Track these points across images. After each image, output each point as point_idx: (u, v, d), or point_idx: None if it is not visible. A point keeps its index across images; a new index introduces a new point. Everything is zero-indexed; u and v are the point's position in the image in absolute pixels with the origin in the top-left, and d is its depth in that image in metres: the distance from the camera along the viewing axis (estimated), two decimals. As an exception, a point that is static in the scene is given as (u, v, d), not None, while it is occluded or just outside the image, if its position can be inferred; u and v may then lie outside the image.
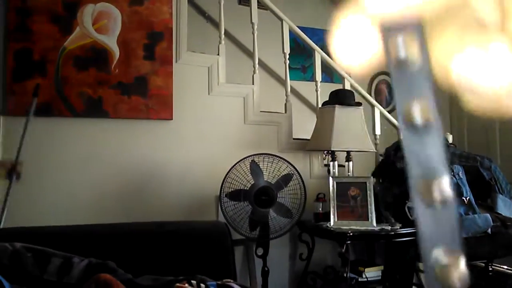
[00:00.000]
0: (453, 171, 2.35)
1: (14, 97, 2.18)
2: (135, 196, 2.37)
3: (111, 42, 2.35)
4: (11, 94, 2.18)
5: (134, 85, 2.37)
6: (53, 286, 1.18)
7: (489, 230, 2.24)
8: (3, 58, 2.19)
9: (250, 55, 3.03)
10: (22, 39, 2.20)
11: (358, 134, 2.48)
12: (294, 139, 2.74)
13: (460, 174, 2.36)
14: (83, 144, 2.31)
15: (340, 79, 2.97)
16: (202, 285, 1.13)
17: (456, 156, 2.49)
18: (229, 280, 1.28)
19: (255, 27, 2.69)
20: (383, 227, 2.24)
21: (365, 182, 2.32)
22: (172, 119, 2.44)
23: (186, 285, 1.12)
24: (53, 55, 2.24)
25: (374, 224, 2.24)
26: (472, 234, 2.21)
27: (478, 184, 2.40)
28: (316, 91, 2.86)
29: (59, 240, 1.37)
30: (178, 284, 1.11)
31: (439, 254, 0.20)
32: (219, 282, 1.17)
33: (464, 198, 2.29)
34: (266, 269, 2.36)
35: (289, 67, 2.82)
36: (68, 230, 1.46)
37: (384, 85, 4.20)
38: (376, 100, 3.09)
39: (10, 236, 1.30)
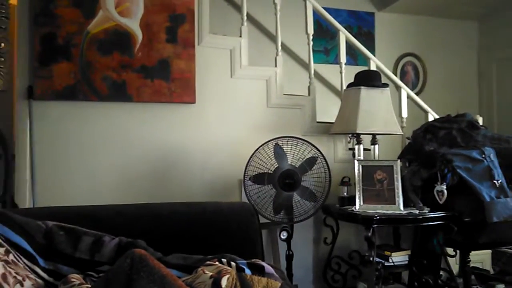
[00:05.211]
0: (484, 153, 2.27)
1: (41, 81, 2.20)
2: (158, 179, 2.39)
3: (134, 25, 2.34)
4: (38, 78, 2.20)
5: (157, 68, 2.37)
6: (85, 263, 1.20)
7: (522, 215, 2.16)
8: (30, 43, 2.21)
9: (272, 38, 2.98)
10: (47, 23, 2.22)
11: (384, 116, 2.41)
12: (317, 122, 2.70)
13: (492, 157, 2.28)
14: (108, 128, 2.33)
15: (365, 60, 2.89)
16: (233, 263, 1.12)
17: (488, 138, 2.40)
18: (258, 260, 1.27)
19: (278, 7, 2.63)
20: (411, 211, 2.19)
21: (392, 166, 2.27)
22: (194, 102, 2.43)
23: (217, 263, 1.11)
24: (77, 39, 2.25)
25: (402, 208, 2.19)
26: (504, 219, 2.13)
27: (510, 167, 2.30)
28: (341, 73, 2.80)
29: (88, 219, 1.39)
30: (209, 262, 1.11)
31: None
32: (249, 261, 1.16)
33: (496, 181, 2.21)
34: (290, 252, 2.35)
35: (312, 50, 2.76)
36: (97, 210, 1.47)
37: (410, 66, 4.08)
38: (402, 82, 3.00)
39: (43, 215, 1.32)
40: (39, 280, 1.14)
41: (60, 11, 2.24)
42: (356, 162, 2.31)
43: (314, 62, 2.80)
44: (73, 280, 1.09)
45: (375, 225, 2.10)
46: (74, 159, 2.27)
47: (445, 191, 2.17)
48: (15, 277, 1.02)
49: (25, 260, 1.15)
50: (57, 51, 2.23)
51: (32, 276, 1.12)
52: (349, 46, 2.84)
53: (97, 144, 2.31)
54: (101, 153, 2.31)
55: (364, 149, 2.53)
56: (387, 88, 2.45)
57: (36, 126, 2.20)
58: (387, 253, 2.39)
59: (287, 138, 2.32)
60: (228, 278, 1.05)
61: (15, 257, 1.12)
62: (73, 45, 2.25)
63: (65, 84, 2.23)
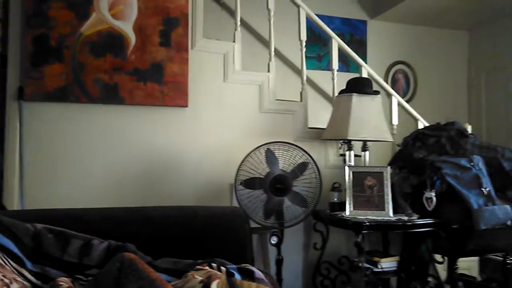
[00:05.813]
0: (472, 161, 2.30)
1: (32, 82, 2.19)
2: (150, 182, 2.38)
3: (127, 28, 2.34)
4: (29, 79, 2.18)
5: (150, 71, 2.37)
6: (74, 266, 1.19)
7: (509, 222, 2.19)
8: (22, 44, 2.19)
9: (265, 43, 3.00)
10: (40, 25, 2.21)
11: (375, 123, 2.43)
12: (309, 128, 2.71)
13: (480, 165, 2.31)
14: (99, 130, 2.32)
15: (357, 67, 2.92)
16: (223, 268, 1.12)
17: (476, 147, 2.43)
18: (247, 265, 1.27)
19: (272, 13, 2.65)
20: (400, 217, 2.21)
21: (382, 172, 2.29)
22: (187, 106, 2.43)
23: (207, 267, 1.11)
24: (70, 41, 2.25)
25: (391, 214, 2.21)
26: (492, 226, 2.16)
27: (498, 175, 2.34)
28: (333, 79, 2.82)
29: (77, 222, 1.38)
30: (199, 266, 1.11)
31: None
32: (239, 266, 1.16)
33: (484, 189, 2.24)
34: (280, 257, 2.35)
35: (305, 56, 2.77)
36: (86, 212, 1.46)
37: (401, 74, 4.13)
38: (393, 89, 3.03)
39: (31, 218, 1.30)
40: (26, 283, 1.13)
41: (53, 12, 2.23)
42: (347, 168, 2.33)
43: (307, 68, 2.83)
44: (61, 283, 1.08)
45: (365, 231, 2.11)
46: (64, 161, 2.25)
47: (434, 198, 2.19)
48: (2, 279, 1.00)
49: (12, 263, 1.14)
50: (49, 52, 2.21)
51: (19, 279, 1.11)
52: (342, 53, 2.87)
53: (88, 146, 2.29)
54: (92, 155, 2.29)
55: (355, 156, 2.55)
56: (378, 96, 2.48)
57: (26, 127, 2.18)
58: (376, 259, 2.40)
59: (279, 143, 2.33)
60: (218, 283, 1.05)
61: (2, 259, 1.11)
62: (65, 47, 2.24)
63: (56, 85, 2.22)
